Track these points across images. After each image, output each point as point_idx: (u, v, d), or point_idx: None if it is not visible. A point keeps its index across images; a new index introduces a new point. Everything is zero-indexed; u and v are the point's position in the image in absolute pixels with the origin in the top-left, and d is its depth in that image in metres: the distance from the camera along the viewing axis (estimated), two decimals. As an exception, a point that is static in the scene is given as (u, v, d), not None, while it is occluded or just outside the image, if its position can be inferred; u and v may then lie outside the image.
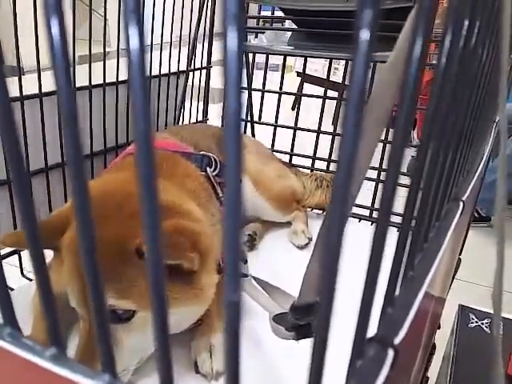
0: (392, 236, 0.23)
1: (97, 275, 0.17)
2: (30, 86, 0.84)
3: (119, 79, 1.01)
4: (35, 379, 0.19)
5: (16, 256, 0.85)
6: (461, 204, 0.37)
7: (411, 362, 0.31)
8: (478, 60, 0.39)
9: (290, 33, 1.29)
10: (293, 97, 3.35)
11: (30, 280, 0.87)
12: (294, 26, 1.27)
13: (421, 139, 0.27)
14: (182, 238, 0.55)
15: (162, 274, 0.17)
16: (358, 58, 0.15)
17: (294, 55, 1.32)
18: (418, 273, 0.26)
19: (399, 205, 0.25)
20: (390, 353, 0.19)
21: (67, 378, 0.18)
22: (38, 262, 0.18)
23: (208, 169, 0.82)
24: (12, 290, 0.81)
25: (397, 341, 0.20)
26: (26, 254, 0.85)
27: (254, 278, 0.68)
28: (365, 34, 0.15)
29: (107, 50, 0.99)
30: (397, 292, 0.24)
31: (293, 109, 3.33)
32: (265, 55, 1.27)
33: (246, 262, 0.75)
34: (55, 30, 0.16)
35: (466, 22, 0.28)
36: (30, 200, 0.17)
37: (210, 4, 1.24)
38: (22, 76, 0.82)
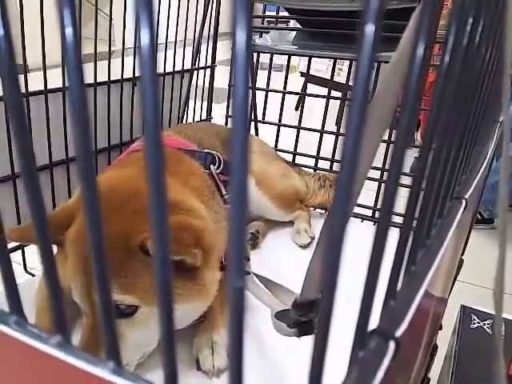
0: (394, 234, 0.23)
1: (103, 260, 0.18)
2: (36, 84, 0.84)
3: (124, 77, 1.02)
4: (40, 366, 0.19)
5: (19, 252, 0.86)
6: (463, 202, 0.38)
7: (412, 358, 0.31)
8: (482, 59, 0.39)
9: (294, 32, 1.29)
10: (296, 97, 3.36)
11: (33, 276, 0.87)
12: (299, 26, 1.27)
13: (423, 137, 0.27)
14: (186, 234, 0.55)
15: (169, 270, 0.17)
16: (363, 52, 0.15)
17: (298, 55, 1.32)
18: (420, 268, 0.26)
19: (401, 205, 0.25)
20: (392, 345, 0.20)
21: (72, 365, 0.18)
22: (45, 250, 0.18)
23: (212, 166, 0.83)
24: (15, 285, 0.81)
25: (398, 333, 0.20)
26: (29, 250, 0.86)
27: (256, 276, 0.68)
28: (370, 28, 0.16)
29: (112, 48, 1.00)
30: (399, 286, 0.24)
31: (296, 109, 3.33)
32: (269, 56, 1.27)
33: (248, 259, 0.76)
34: (67, 21, 0.16)
35: (470, 21, 0.28)
36: (39, 188, 0.17)
37: (214, 4, 1.25)
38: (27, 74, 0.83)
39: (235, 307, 0.14)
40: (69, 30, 0.15)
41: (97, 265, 0.18)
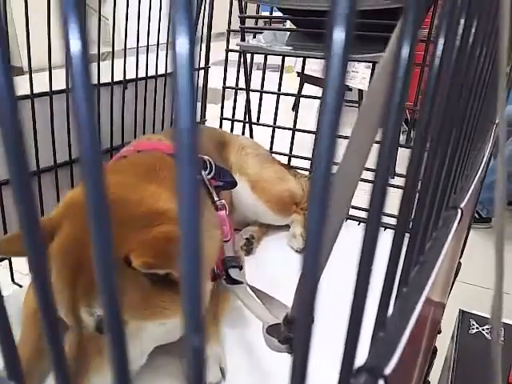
0: (388, 236, 0.22)
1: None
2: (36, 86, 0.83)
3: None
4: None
5: (7, 262, 0.83)
6: (459, 212, 0.36)
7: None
8: (475, 60, 0.38)
9: (288, 33, 1.27)
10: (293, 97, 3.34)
11: (21, 286, 0.84)
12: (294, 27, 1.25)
13: (414, 141, 0.25)
14: (172, 246, 0.53)
15: (112, 274, 0.15)
16: (333, 58, 0.13)
17: (292, 55, 1.29)
18: (412, 289, 0.25)
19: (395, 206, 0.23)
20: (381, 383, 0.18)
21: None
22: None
23: (203, 172, 0.80)
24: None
25: (388, 371, 0.18)
26: (16, 260, 0.84)
27: (250, 287, 0.66)
28: (339, 34, 0.14)
29: (105, 50, 0.98)
30: (390, 311, 0.22)
31: (293, 109, 3.31)
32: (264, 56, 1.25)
33: (241, 268, 0.73)
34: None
35: (462, 21, 0.26)
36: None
37: (207, 5, 1.23)
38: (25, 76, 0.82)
39: (193, 371, 0.11)
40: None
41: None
